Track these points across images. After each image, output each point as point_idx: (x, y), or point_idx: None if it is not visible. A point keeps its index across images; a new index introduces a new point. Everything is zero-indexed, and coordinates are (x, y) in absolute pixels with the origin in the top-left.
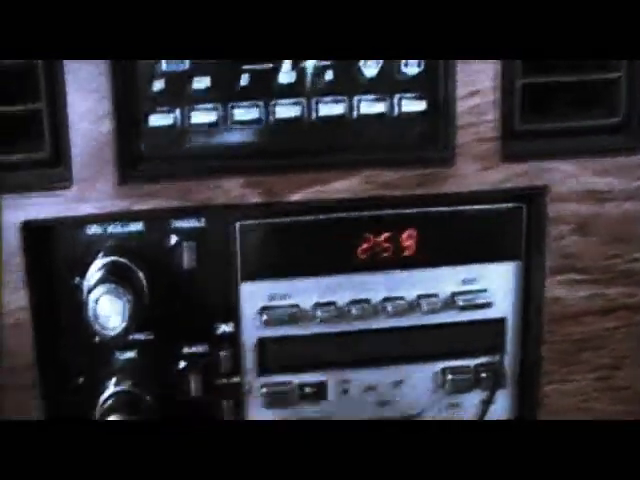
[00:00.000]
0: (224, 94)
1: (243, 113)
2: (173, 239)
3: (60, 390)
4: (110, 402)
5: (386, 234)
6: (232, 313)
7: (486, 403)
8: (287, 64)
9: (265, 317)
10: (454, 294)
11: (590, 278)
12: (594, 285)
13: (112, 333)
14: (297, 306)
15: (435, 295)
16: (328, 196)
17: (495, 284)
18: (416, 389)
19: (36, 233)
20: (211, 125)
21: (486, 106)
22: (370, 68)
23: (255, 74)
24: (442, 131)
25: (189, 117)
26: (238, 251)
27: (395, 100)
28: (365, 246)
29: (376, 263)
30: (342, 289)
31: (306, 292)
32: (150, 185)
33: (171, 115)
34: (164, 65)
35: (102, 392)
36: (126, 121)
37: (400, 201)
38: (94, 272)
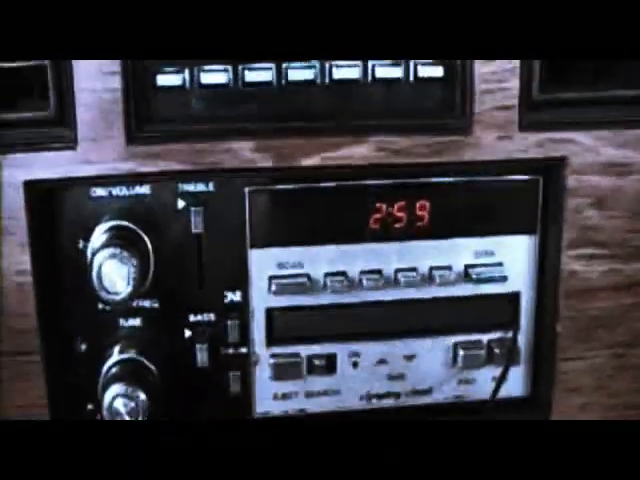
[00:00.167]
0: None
1: (254, 75)
2: (180, 203)
3: (63, 357)
4: (114, 370)
5: (399, 203)
6: (240, 281)
7: (499, 380)
8: None
9: (274, 286)
10: (468, 267)
11: (608, 253)
12: (612, 260)
13: (116, 298)
14: (307, 275)
15: (448, 267)
16: (340, 162)
17: (510, 257)
18: (427, 364)
19: (39, 194)
20: (221, 86)
21: (505, 73)
22: None
23: None
24: (459, 98)
25: (198, 78)
26: (247, 217)
27: (411, 65)
28: (377, 215)
29: (388, 233)
30: (353, 259)
31: (316, 261)
32: (157, 147)
33: (180, 75)
34: None
35: (106, 360)
36: (134, 80)
37: (414, 170)
38: (99, 236)
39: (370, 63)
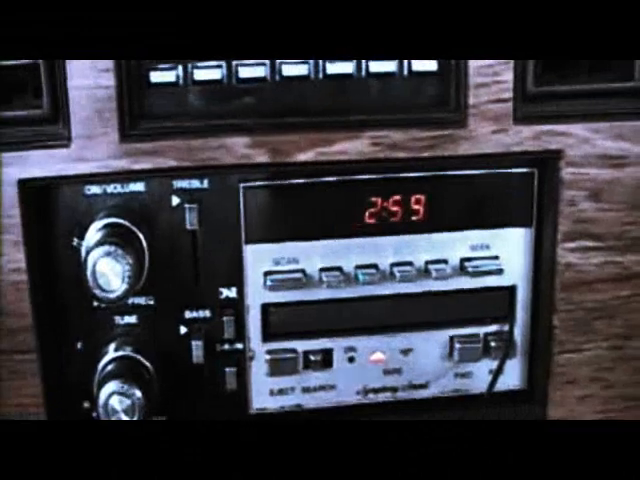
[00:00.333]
0: None
1: (248, 71)
2: (175, 200)
3: (59, 355)
4: (110, 368)
5: (394, 197)
6: (235, 277)
7: (495, 373)
8: None
9: (269, 282)
10: (464, 260)
11: (604, 245)
12: (608, 252)
13: (111, 296)
14: (302, 271)
15: (444, 261)
16: (335, 157)
17: (506, 251)
18: (424, 358)
19: (34, 192)
20: (215, 83)
21: (499, 66)
22: None
23: None
24: (454, 92)
25: (192, 74)
26: (242, 213)
27: (405, 59)
28: (373, 210)
29: (384, 227)
30: (349, 254)
31: (312, 256)
32: (152, 143)
33: (173, 72)
34: None
35: (102, 357)
36: (128, 77)
37: (409, 164)
38: (93, 233)
39: None
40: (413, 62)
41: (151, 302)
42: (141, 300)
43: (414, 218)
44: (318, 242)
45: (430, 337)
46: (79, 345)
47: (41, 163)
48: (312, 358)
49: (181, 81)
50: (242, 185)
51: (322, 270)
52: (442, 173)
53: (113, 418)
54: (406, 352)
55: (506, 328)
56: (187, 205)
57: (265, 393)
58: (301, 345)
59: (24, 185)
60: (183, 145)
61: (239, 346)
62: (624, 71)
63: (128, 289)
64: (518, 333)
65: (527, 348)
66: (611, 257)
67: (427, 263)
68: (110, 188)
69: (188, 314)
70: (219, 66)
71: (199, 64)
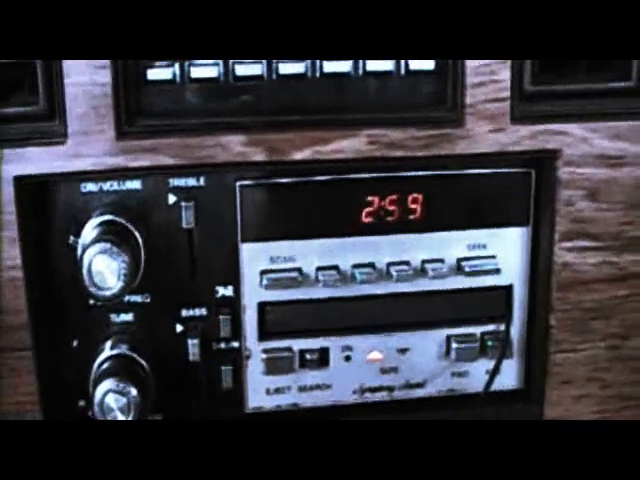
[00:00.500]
0: None
1: (245, 69)
2: (171, 198)
3: (55, 353)
4: (105, 366)
5: (391, 197)
6: (232, 275)
7: (492, 372)
8: None
9: (266, 280)
10: (460, 260)
11: (601, 245)
12: (605, 252)
13: (107, 294)
14: (299, 269)
15: (441, 260)
16: (331, 156)
17: (502, 250)
18: (420, 357)
19: (30, 189)
20: (212, 81)
21: (496, 65)
22: None
23: None
24: (451, 91)
25: (189, 72)
26: (238, 211)
27: None
28: (370, 209)
29: (381, 226)
30: (345, 253)
31: (308, 255)
32: (148, 141)
33: (170, 69)
34: None
35: (98, 355)
36: (124, 74)
37: (406, 163)
38: (89, 231)
39: None
40: (410, 61)
41: (147, 300)
42: (137, 298)
43: (411, 217)
44: (315, 241)
45: (427, 336)
46: (75, 343)
47: (37, 160)
48: (308, 357)
49: (178, 79)
50: (238, 183)
51: (319, 269)
52: (439, 172)
53: (109, 416)
54: (403, 351)
55: (503, 328)
56: (183, 203)
57: (261, 392)
58: (297, 344)
59: (20, 182)
60: (179, 143)
61: (235, 345)
62: (621, 71)
63: (124, 287)
64: (515, 333)
65: (524, 348)
66: (608, 257)
67: (424, 262)
68: (106, 185)
69: (184, 312)
70: (216, 64)
71: (196, 62)
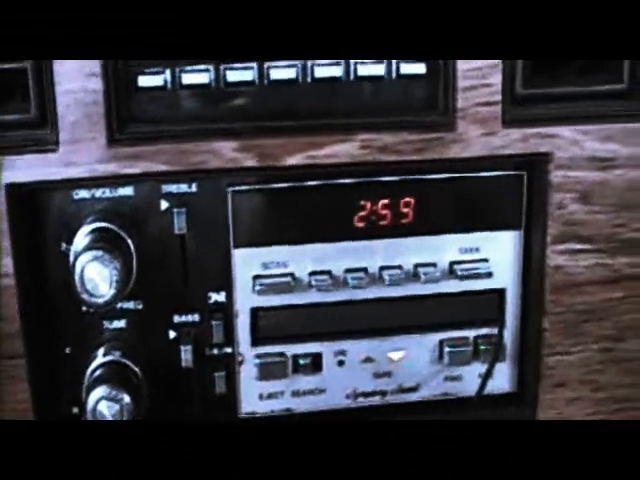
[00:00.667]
0: None
1: (236, 75)
2: (163, 204)
3: (47, 360)
4: (98, 373)
5: (384, 201)
6: (224, 281)
7: (485, 376)
8: None
9: (258, 286)
10: (453, 263)
11: (593, 247)
12: (597, 254)
13: (99, 301)
14: (291, 274)
15: (433, 264)
16: (323, 161)
17: (495, 254)
18: (414, 361)
19: (22, 197)
20: (203, 87)
21: (488, 69)
22: None
23: None
24: (442, 95)
25: (180, 78)
26: (230, 217)
27: (394, 62)
28: (362, 213)
29: (373, 231)
30: (338, 257)
31: (301, 260)
32: (140, 148)
33: (161, 76)
34: None
35: (90, 362)
36: (115, 81)
37: (398, 167)
38: (81, 238)
39: (352, 61)
40: (401, 65)
41: (140, 306)
42: (130, 305)
43: (403, 221)
44: (307, 246)
45: (420, 340)
46: (68, 350)
47: (29, 167)
48: (301, 362)
49: (169, 85)
50: (230, 189)
51: (311, 274)
52: (431, 176)
53: None
54: (396, 355)
55: (496, 331)
56: (176, 209)
57: (254, 397)
58: (290, 349)
59: (12, 189)
60: (171, 149)
61: (228, 350)
62: (612, 73)
63: (116, 294)
64: (508, 336)
65: (517, 351)
66: (600, 259)
67: (416, 266)
68: (98, 192)
69: (177, 318)
70: (207, 70)
71: (187, 68)
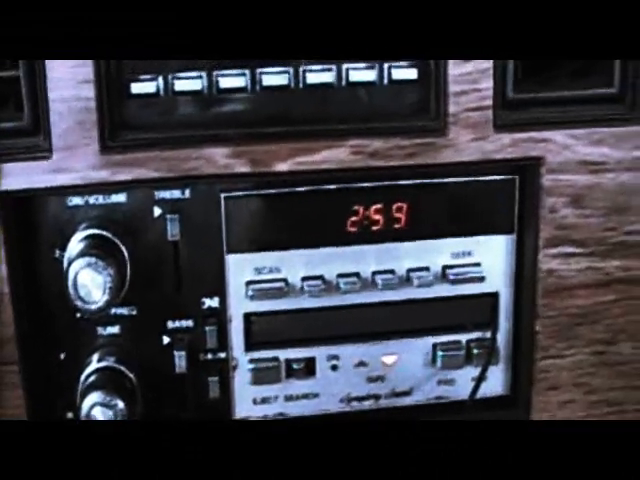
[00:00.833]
0: (209, 61)
1: (228, 81)
2: (157, 211)
3: (42, 366)
4: (92, 379)
5: (376, 206)
6: (218, 287)
7: (478, 379)
8: None
9: (251, 291)
10: (445, 268)
11: (585, 251)
12: (589, 258)
13: (93, 307)
14: (284, 280)
15: (426, 269)
16: (316, 166)
17: (487, 258)
18: (407, 365)
19: (15, 203)
20: (196, 93)
21: (479, 74)
22: None
23: None
24: (434, 100)
25: (172, 85)
26: (223, 223)
27: (385, 68)
28: (355, 218)
29: (366, 236)
30: (331, 262)
31: (294, 265)
32: (133, 154)
33: (154, 83)
34: None
35: (85, 368)
36: (108, 88)
37: (390, 172)
38: (75, 245)
39: (344, 67)
40: (393, 70)
41: (134, 312)
42: (124, 311)
43: (396, 226)
44: (300, 251)
45: (413, 344)
46: (62, 356)
47: (22, 175)
48: (295, 367)
49: (162, 92)
50: (223, 195)
51: (304, 279)
52: (423, 181)
53: None
54: (389, 360)
55: (488, 335)
56: (169, 216)
57: (248, 402)
58: (284, 354)
59: (5, 196)
60: (164, 156)
61: (222, 355)
62: (604, 77)
63: (109, 300)
64: (501, 340)
65: (510, 354)
66: (593, 263)
67: (409, 271)
68: (92, 199)
69: (171, 324)
70: (199, 77)
71: (179, 75)
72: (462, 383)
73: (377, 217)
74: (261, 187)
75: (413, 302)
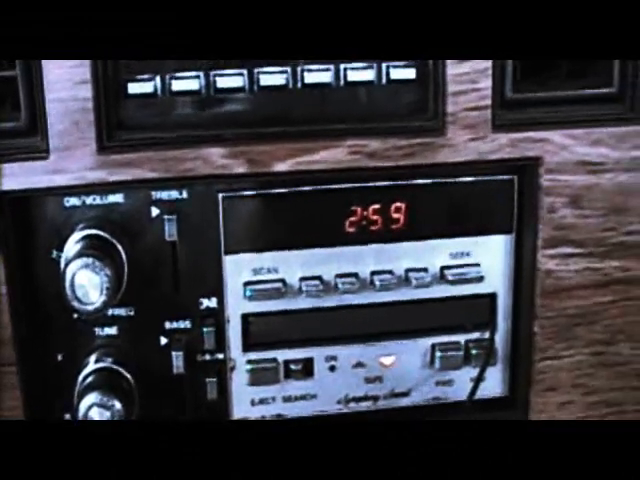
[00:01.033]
0: (206, 61)
1: (226, 81)
2: (154, 211)
3: (40, 367)
4: (90, 379)
5: (374, 206)
6: (215, 287)
7: (476, 380)
8: None
9: (249, 292)
10: (444, 268)
11: (584, 251)
12: (588, 258)
13: (90, 308)
14: (282, 280)
15: (424, 269)
16: (314, 166)
17: (486, 258)
18: (405, 366)
19: (12, 204)
20: (193, 93)
21: (477, 74)
22: None
23: None
24: (432, 100)
25: (170, 85)
26: (221, 223)
27: (383, 68)
28: (353, 219)
29: (364, 236)
30: (329, 263)
31: (291, 266)
32: (130, 155)
33: (151, 83)
34: None
35: (82, 369)
36: (105, 88)
37: (389, 172)
38: (72, 245)
39: (342, 67)
40: (391, 70)
41: (131, 313)
42: (121, 311)
43: (394, 226)
44: (298, 251)
45: (411, 345)
46: (60, 357)
47: (19, 175)
48: (293, 367)
49: (159, 92)
50: (221, 195)
51: (302, 279)
52: (422, 181)
53: None
54: (387, 360)
55: (487, 335)
56: (166, 216)
57: (246, 403)
58: (282, 354)
59: (2, 197)
60: (161, 156)
61: (220, 356)
62: (602, 77)
63: (106, 301)
64: (499, 340)
65: (508, 355)
66: (591, 263)
67: (407, 271)
68: (89, 200)
69: (168, 325)
70: (197, 77)
71: (177, 75)
72: (460, 384)
73: (375, 217)
74: (259, 187)
75: (411, 303)
